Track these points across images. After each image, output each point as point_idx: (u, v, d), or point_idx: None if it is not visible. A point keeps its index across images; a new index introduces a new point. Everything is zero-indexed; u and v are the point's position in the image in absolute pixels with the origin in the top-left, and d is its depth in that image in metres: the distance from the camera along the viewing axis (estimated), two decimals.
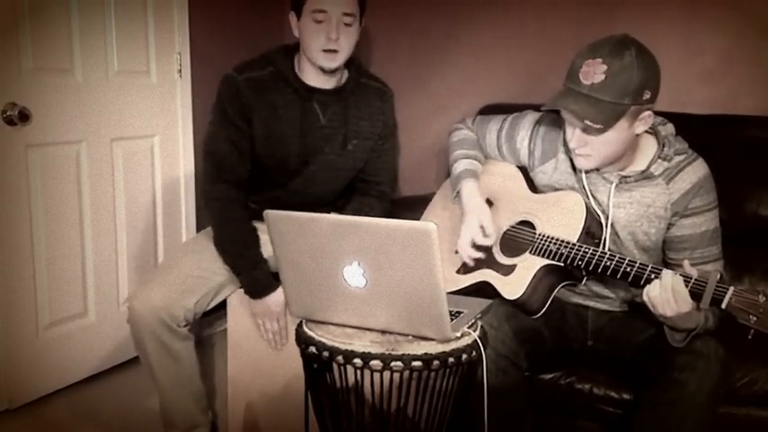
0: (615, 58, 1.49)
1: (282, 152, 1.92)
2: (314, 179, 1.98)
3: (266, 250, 1.84)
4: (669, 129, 1.68)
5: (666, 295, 1.43)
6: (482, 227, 1.75)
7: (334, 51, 1.83)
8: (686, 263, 1.48)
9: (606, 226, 1.68)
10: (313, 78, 1.90)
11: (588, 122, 1.52)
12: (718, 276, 1.41)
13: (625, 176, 1.66)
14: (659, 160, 1.64)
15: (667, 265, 1.69)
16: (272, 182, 1.98)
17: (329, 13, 1.80)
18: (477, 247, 1.77)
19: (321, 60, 1.84)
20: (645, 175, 1.64)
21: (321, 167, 1.97)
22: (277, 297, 1.84)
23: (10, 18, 2.07)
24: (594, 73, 1.50)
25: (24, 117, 2.12)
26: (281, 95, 1.89)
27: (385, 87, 2.05)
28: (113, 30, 2.36)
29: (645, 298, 1.48)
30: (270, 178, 1.97)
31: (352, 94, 1.96)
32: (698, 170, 1.64)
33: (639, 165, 1.66)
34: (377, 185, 2.08)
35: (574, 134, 1.61)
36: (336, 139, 1.95)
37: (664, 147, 1.65)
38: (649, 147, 1.66)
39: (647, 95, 1.52)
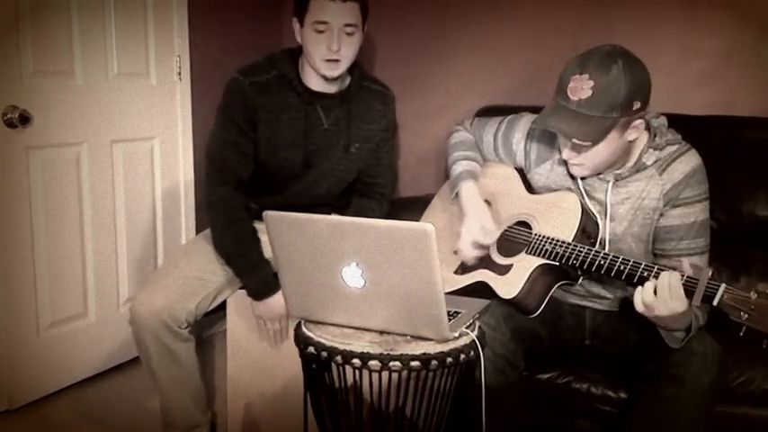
0: (602, 72, 1.49)
1: (285, 155, 1.92)
2: (316, 182, 1.99)
3: (266, 251, 1.85)
4: (661, 121, 1.69)
5: (663, 293, 1.43)
6: (482, 227, 1.76)
7: (336, 61, 1.84)
8: (683, 260, 1.48)
9: (605, 224, 1.69)
10: (316, 83, 1.91)
11: (577, 141, 1.54)
12: (710, 273, 1.41)
13: (619, 173, 1.67)
14: (650, 150, 1.65)
15: (654, 255, 1.71)
16: (273, 184, 1.98)
17: (331, 24, 1.80)
18: (478, 247, 1.78)
19: (323, 69, 1.85)
20: (637, 167, 1.65)
21: (323, 170, 1.98)
22: (279, 298, 1.83)
23: (11, 21, 2.08)
24: (582, 89, 1.50)
25: (25, 119, 2.13)
26: (285, 99, 1.89)
27: (387, 90, 2.06)
28: (113, 32, 2.37)
29: (639, 307, 1.47)
30: (272, 181, 1.97)
31: (354, 98, 1.97)
32: (690, 161, 1.64)
33: (632, 159, 1.67)
34: (378, 187, 2.09)
35: (565, 147, 1.62)
36: (339, 142, 1.96)
37: (655, 137, 1.65)
38: (642, 140, 1.66)
39: (636, 106, 1.52)
